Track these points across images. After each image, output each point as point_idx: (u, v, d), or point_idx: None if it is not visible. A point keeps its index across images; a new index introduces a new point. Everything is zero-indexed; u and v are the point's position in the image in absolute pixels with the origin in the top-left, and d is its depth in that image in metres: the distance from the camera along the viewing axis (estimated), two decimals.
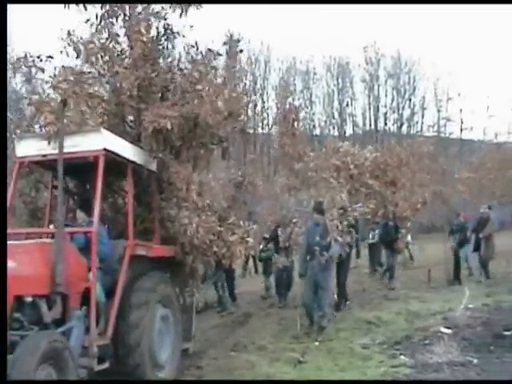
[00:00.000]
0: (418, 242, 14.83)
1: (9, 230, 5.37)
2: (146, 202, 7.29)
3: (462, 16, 58.59)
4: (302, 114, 37.22)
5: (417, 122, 42.98)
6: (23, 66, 6.99)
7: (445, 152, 22.13)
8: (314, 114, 42.43)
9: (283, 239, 11.22)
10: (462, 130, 36.12)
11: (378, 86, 42.63)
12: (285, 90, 13.34)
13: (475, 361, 6.31)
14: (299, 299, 9.30)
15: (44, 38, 7.32)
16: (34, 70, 7.02)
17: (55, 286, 5.13)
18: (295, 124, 11.91)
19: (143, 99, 7.13)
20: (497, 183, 19.99)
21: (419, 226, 18.44)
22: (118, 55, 7.19)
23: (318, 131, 41.55)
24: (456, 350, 6.66)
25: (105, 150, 6.05)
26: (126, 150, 6.55)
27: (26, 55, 6.92)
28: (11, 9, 5.62)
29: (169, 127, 6.56)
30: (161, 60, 7.43)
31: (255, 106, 41.02)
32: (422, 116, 42.83)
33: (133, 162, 6.63)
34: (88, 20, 7.03)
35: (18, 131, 7.44)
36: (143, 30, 6.95)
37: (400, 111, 42.82)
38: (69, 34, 7.14)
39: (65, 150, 5.73)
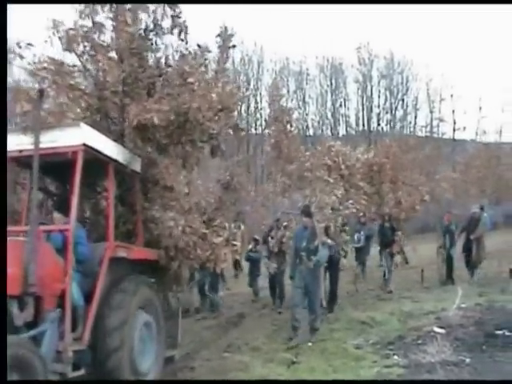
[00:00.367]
0: (411, 242, 14.79)
1: None
2: (129, 202, 6.95)
3: (455, 17, 58.98)
4: (295, 115, 37.37)
5: (410, 123, 43.17)
6: None
7: (437, 152, 22.12)
8: (307, 114, 42.53)
9: (273, 243, 11.07)
10: (454, 130, 36.22)
11: (371, 86, 42.76)
12: (276, 90, 13.23)
13: (468, 360, 6.33)
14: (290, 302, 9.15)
15: (31, 29, 7.14)
16: (11, 55, 6.45)
17: (27, 287, 4.86)
18: (288, 126, 11.88)
19: (128, 94, 6.82)
20: (486, 182, 20.09)
21: (413, 226, 18.46)
22: (102, 46, 6.82)
23: (311, 132, 41.61)
24: (449, 349, 6.67)
25: (84, 145, 5.73)
26: (108, 147, 6.22)
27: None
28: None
29: (156, 122, 6.29)
30: (149, 55, 7.16)
31: (248, 106, 41.09)
32: (415, 116, 43.05)
33: (115, 161, 6.30)
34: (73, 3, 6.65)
35: None
36: (129, 21, 6.70)
37: (393, 112, 43.01)
38: (54, 23, 6.64)
39: (42, 146, 5.45)
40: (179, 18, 7.14)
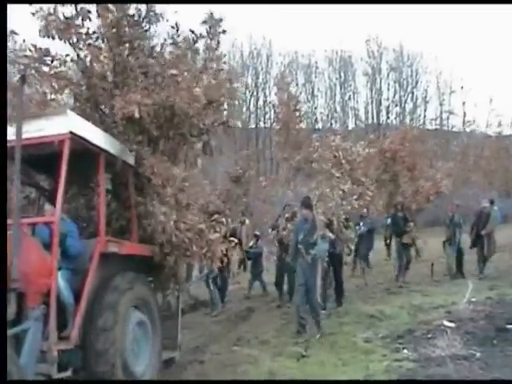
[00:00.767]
0: (422, 235, 14.68)
1: None
2: (123, 198, 6.67)
3: (464, 9, 58.28)
4: (303, 108, 37.22)
5: (419, 116, 42.88)
6: None
7: (447, 145, 21.97)
8: (315, 107, 42.36)
9: (274, 235, 10.97)
10: (464, 123, 35.96)
11: (381, 79, 42.53)
12: (282, 80, 13.15)
13: (478, 354, 6.29)
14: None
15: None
16: None
17: (10, 283, 4.56)
18: (296, 113, 11.69)
19: (117, 85, 6.53)
20: (495, 174, 19.92)
21: (423, 218, 18.36)
22: (87, 33, 6.45)
23: (320, 125, 41.46)
24: (459, 343, 6.64)
25: (71, 133, 5.41)
26: (98, 137, 5.90)
27: None
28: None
29: (136, 115, 5.99)
30: (142, 43, 6.79)
31: (257, 100, 41.02)
32: (425, 109, 42.78)
33: (106, 152, 5.99)
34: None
35: None
36: (112, 7, 6.39)
37: (402, 104, 42.75)
38: (35, 9, 6.21)
39: (28, 135, 5.20)
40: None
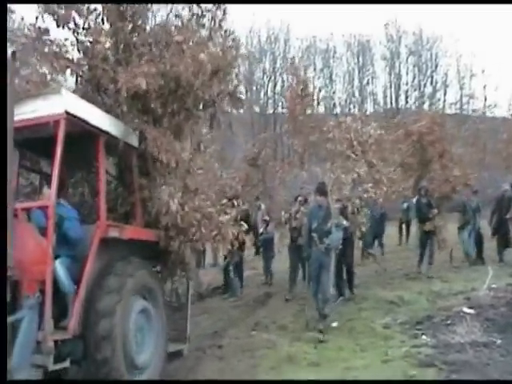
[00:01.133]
0: (442, 221, 14.49)
1: None
2: (128, 182, 6.45)
3: None
4: (322, 93, 36.79)
5: (439, 100, 42.11)
6: None
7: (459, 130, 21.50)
8: (334, 92, 41.95)
9: (286, 218, 10.54)
10: (485, 107, 35.32)
11: (399, 63, 41.91)
12: (293, 67, 12.97)
13: (499, 341, 6.23)
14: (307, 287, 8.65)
15: None
16: None
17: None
18: (303, 93, 11.47)
19: (120, 62, 6.30)
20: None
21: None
22: (87, 9, 6.26)
23: (338, 110, 41.10)
24: (479, 330, 6.59)
25: (66, 113, 5.15)
26: (96, 117, 5.64)
27: None
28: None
29: (143, 86, 5.76)
30: (145, 20, 6.60)
31: (275, 85, 40.76)
32: (445, 93, 42.06)
33: (105, 133, 5.74)
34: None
35: None
36: None
37: (421, 89, 42.08)
38: None
39: (24, 117, 5.04)
40: None
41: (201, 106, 6.80)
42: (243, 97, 7.88)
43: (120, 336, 5.19)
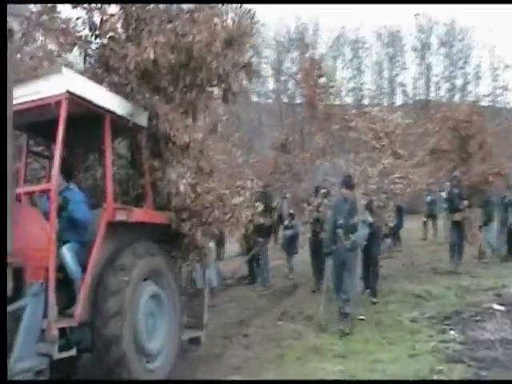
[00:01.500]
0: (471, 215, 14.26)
1: None
2: (139, 164, 6.20)
3: None
4: (350, 84, 36.43)
5: (470, 92, 41.34)
6: None
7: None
8: (362, 84, 41.48)
9: (309, 211, 10.13)
10: None
11: (430, 54, 41.18)
12: (303, 44, 12.69)
13: None
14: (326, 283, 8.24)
15: None
16: None
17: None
18: (319, 79, 11.20)
19: (131, 38, 6.09)
20: None
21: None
22: None
23: (367, 101, 40.66)
24: (509, 327, 6.50)
25: (68, 93, 4.90)
26: (101, 96, 5.39)
27: None
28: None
29: (151, 56, 5.51)
30: None
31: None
32: (476, 85, 41.23)
33: (111, 112, 5.49)
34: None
35: None
36: None
37: (452, 80, 41.33)
38: None
39: (26, 99, 4.93)
40: None
41: (214, 81, 6.44)
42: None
43: (129, 323, 5.03)
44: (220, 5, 6.36)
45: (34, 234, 4.61)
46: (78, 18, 6.03)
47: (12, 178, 4.46)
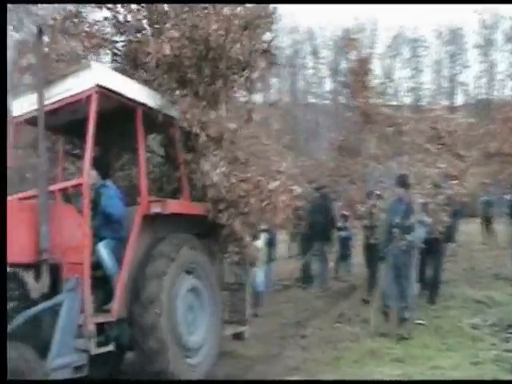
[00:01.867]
0: None
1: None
2: (173, 157, 6.18)
3: None
4: (409, 84, 35.59)
5: None
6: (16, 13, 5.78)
7: None
8: (421, 83, 40.53)
9: (361, 213, 9.93)
10: None
11: (494, 51, 39.66)
12: (349, 38, 12.28)
13: None
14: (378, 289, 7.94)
15: None
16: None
17: (40, 254, 4.31)
18: (367, 77, 10.96)
19: (154, 34, 6.10)
20: None
21: None
22: None
23: (425, 101, 39.67)
24: None
25: (98, 86, 4.87)
26: (131, 89, 5.34)
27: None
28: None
29: (167, 52, 5.52)
30: None
31: None
32: None
33: (142, 105, 5.45)
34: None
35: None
36: None
37: None
38: None
39: (57, 98, 4.97)
40: None
41: (235, 69, 6.35)
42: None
43: (167, 317, 4.97)
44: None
45: (69, 230, 4.62)
46: (105, 19, 6.13)
47: (45, 176, 4.58)
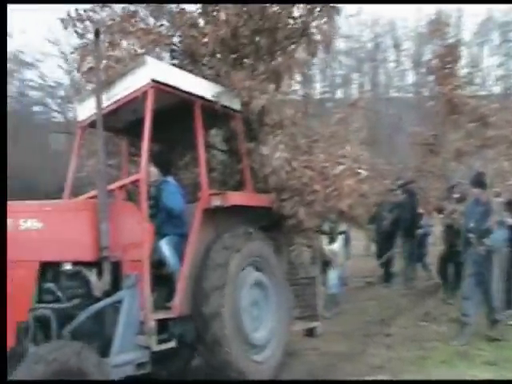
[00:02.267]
0: None
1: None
2: (235, 150, 6.06)
3: None
4: (498, 72, 33.66)
5: None
6: (73, 22, 5.93)
7: None
8: None
9: (443, 217, 9.49)
10: None
11: None
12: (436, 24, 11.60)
13: None
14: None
15: None
16: (80, 24, 5.91)
17: (100, 251, 4.35)
18: (454, 66, 10.45)
19: (209, 21, 5.99)
20: None
21: None
22: None
23: None
24: None
25: (153, 81, 4.83)
26: (189, 82, 5.25)
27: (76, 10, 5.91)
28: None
29: (223, 31, 5.44)
30: None
31: None
32: None
33: (201, 98, 5.35)
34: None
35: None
36: None
37: None
38: None
39: (118, 97, 5.04)
40: None
41: (293, 35, 6.12)
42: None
43: (231, 312, 4.86)
44: None
45: (129, 227, 4.62)
46: (160, 15, 6.13)
47: (103, 175, 4.59)
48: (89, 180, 6.15)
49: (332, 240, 8.46)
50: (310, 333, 6.51)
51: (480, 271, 6.86)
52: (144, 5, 6.17)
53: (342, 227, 8.62)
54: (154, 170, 5.28)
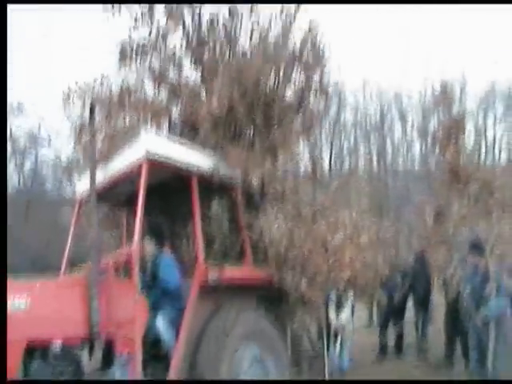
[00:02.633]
0: None
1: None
2: (235, 221, 6.01)
3: None
4: (503, 141, 33.83)
5: None
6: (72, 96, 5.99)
7: None
8: None
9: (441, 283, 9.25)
10: None
11: None
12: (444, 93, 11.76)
13: None
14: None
15: None
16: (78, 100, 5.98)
17: (91, 328, 4.33)
18: (461, 135, 10.30)
19: (207, 91, 6.06)
20: None
21: None
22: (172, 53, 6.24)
23: None
24: None
25: (147, 154, 4.88)
26: (184, 154, 5.27)
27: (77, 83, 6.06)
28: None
29: (215, 104, 5.43)
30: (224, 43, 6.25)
31: None
32: None
33: (198, 170, 5.39)
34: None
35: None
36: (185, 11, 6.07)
37: None
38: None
39: (116, 171, 5.15)
40: None
41: (290, 113, 6.20)
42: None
43: None
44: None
45: (121, 304, 4.58)
46: (159, 85, 6.21)
47: (96, 251, 4.63)
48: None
49: (339, 308, 8.19)
50: None
51: (479, 345, 6.64)
52: (145, 77, 6.29)
53: (351, 296, 8.36)
54: (148, 243, 5.25)
